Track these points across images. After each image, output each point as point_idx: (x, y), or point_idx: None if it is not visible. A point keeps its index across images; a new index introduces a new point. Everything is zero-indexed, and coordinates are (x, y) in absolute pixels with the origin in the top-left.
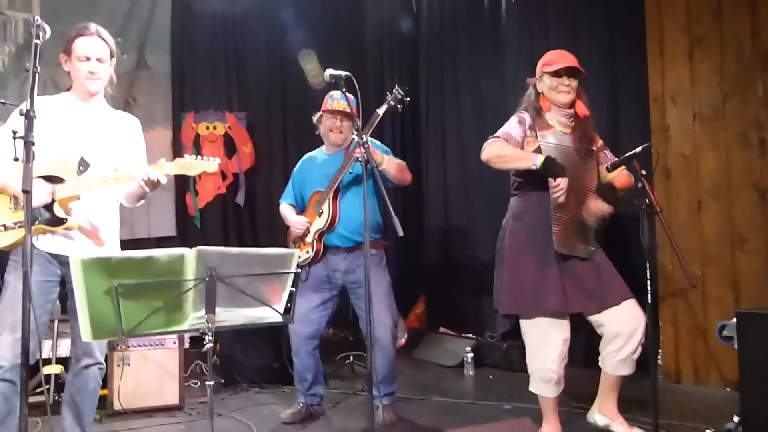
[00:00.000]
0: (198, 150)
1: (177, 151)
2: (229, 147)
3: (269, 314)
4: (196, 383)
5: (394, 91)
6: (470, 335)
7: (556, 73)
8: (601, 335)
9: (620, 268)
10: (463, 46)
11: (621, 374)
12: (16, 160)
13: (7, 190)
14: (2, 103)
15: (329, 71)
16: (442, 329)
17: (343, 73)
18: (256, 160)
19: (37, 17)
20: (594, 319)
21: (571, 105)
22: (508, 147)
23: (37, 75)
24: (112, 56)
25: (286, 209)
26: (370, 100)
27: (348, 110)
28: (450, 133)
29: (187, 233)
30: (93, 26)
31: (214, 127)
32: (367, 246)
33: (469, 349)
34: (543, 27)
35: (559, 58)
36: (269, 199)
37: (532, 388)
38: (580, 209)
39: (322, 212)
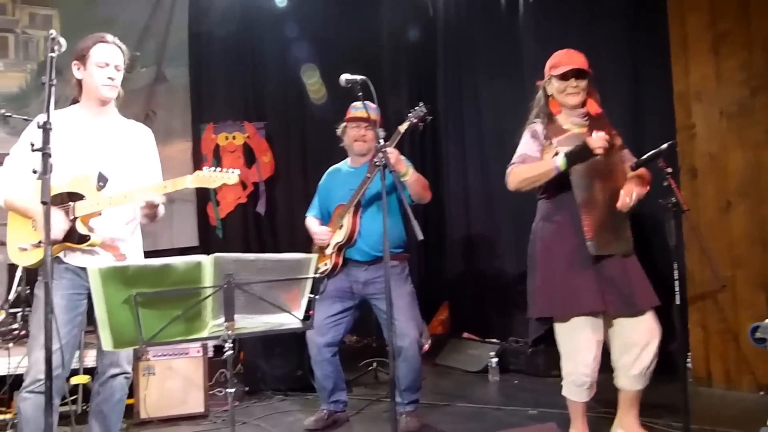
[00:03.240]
0: (218, 161)
1: (197, 163)
2: (249, 157)
3: (289, 320)
4: (221, 392)
5: (416, 108)
6: (494, 340)
7: (563, 76)
8: (610, 347)
9: (646, 270)
10: (481, 51)
11: (636, 389)
12: (35, 171)
13: (29, 213)
14: (24, 119)
15: (345, 76)
16: (465, 334)
17: (358, 77)
18: (275, 169)
19: (53, 31)
20: (616, 323)
21: (583, 104)
22: (527, 168)
23: (53, 88)
24: (124, 67)
25: (311, 221)
26: (388, 107)
27: (371, 117)
28: (470, 136)
29: (209, 243)
30: (110, 36)
31: (234, 138)
32: (387, 257)
33: (493, 354)
34: (561, 26)
35: (565, 59)
36: (289, 208)
37: (564, 392)
38: (610, 206)
39: (342, 226)
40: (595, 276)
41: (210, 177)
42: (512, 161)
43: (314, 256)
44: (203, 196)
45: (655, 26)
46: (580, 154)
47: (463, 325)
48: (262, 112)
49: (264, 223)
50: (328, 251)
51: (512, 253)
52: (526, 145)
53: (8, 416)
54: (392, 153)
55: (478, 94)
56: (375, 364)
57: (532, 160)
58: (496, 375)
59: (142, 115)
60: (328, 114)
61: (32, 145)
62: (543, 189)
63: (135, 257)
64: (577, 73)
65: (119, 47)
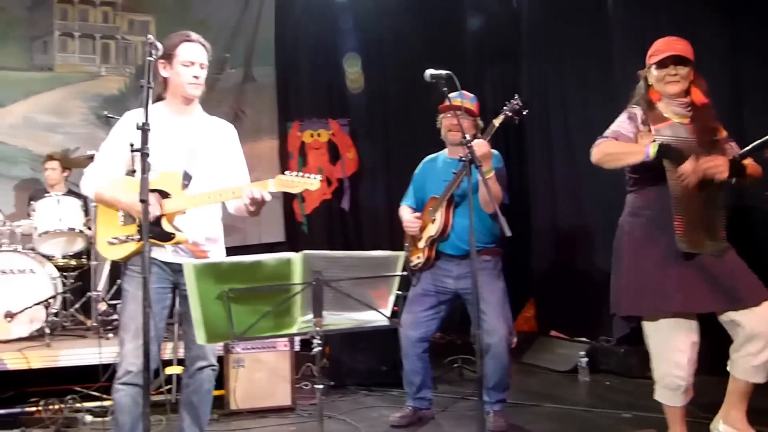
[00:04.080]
0: (303, 158)
1: (284, 160)
2: (333, 153)
3: (376, 318)
4: (307, 385)
5: (511, 101)
6: (584, 339)
7: (662, 64)
8: (732, 337)
9: (753, 265)
10: (567, 41)
11: (753, 381)
12: (134, 172)
13: (118, 205)
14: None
15: (429, 71)
16: (553, 332)
17: (443, 72)
18: (359, 165)
19: (150, 36)
20: (728, 318)
21: (686, 93)
22: (617, 144)
23: (151, 90)
24: (207, 64)
25: (404, 210)
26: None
27: (466, 106)
28: (556, 129)
29: (295, 239)
30: (194, 34)
31: (318, 135)
32: (474, 253)
33: (583, 353)
34: (653, 13)
35: (664, 47)
36: (373, 204)
37: (657, 396)
38: (706, 203)
39: (434, 219)
40: (687, 274)
41: (292, 182)
42: (603, 135)
43: (402, 254)
44: (289, 192)
45: (757, 8)
46: (673, 155)
47: (550, 322)
48: (346, 109)
49: (348, 218)
50: (421, 245)
51: (602, 249)
52: (621, 124)
53: (109, 403)
54: (482, 146)
55: (564, 86)
56: (460, 362)
57: (624, 139)
58: (586, 375)
59: (231, 115)
60: (411, 111)
61: (131, 145)
62: (633, 181)
63: (218, 254)
64: (676, 60)
65: (203, 45)
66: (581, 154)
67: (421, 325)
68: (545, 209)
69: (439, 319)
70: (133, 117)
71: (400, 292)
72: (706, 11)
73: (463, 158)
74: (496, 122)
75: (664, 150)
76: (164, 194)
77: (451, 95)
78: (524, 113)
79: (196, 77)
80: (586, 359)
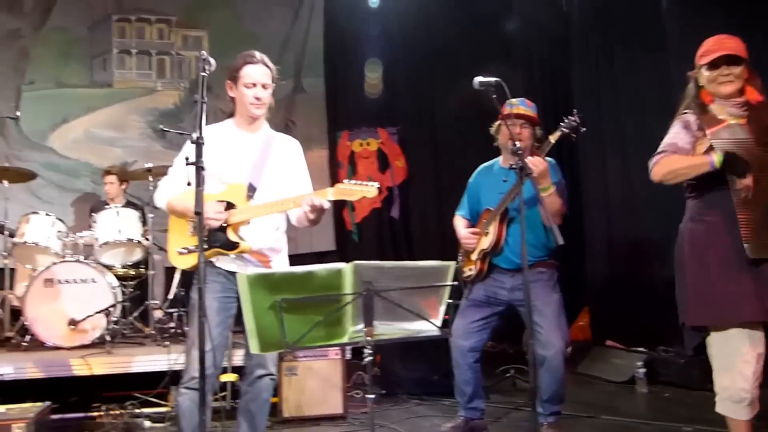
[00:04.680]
0: (353, 167)
1: (333, 170)
2: (382, 162)
3: (427, 327)
4: (358, 393)
5: (569, 117)
6: (641, 349)
7: (713, 64)
8: None
9: None
10: (620, 42)
11: None
12: (189, 184)
13: (188, 215)
14: (179, 133)
15: (478, 79)
16: (608, 342)
17: (492, 79)
18: (408, 173)
19: (203, 52)
20: None
21: (741, 93)
22: (676, 159)
23: (204, 105)
24: (273, 82)
25: (458, 222)
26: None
27: (529, 114)
28: (609, 134)
29: (345, 247)
30: (258, 54)
31: (368, 144)
32: (526, 266)
33: (640, 363)
34: (711, 11)
35: (714, 46)
36: (423, 212)
37: (719, 408)
38: None
39: (488, 233)
40: (755, 281)
41: (350, 190)
42: (659, 150)
43: (452, 264)
44: (339, 201)
45: None
46: (737, 167)
47: (605, 331)
48: (394, 117)
49: (398, 226)
50: (474, 257)
51: (660, 257)
52: (677, 135)
53: (166, 409)
54: (539, 164)
55: (617, 90)
56: (513, 371)
57: (683, 151)
58: (644, 386)
59: (281, 125)
60: (460, 117)
61: (186, 159)
62: (692, 186)
63: (281, 264)
64: (728, 60)
65: (266, 65)
66: (636, 161)
67: (473, 334)
68: (599, 217)
69: (490, 330)
70: (203, 133)
71: (451, 301)
72: (766, 7)
73: (514, 166)
74: (552, 139)
75: (730, 160)
76: (230, 205)
77: (513, 101)
78: (582, 131)
79: (257, 98)
80: (643, 370)
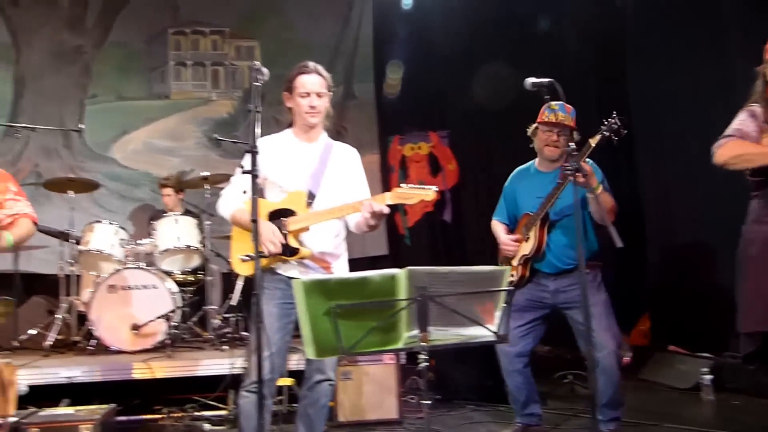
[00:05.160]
0: (404, 171)
1: (385, 175)
2: (434, 165)
3: (483, 333)
4: (413, 398)
5: (609, 120)
6: (706, 354)
7: None
8: None
9: None
10: (678, 39)
11: None
12: (244, 192)
13: (249, 226)
14: (233, 142)
15: (530, 80)
16: (671, 347)
17: (545, 80)
18: (460, 176)
19: (256, 62)
20: None
21: None
22: (746, 144)
23: (258, 114)
24: (329, 90)
25: (497, 227)
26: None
27: (566, 122)
28: (669, 138)
29: (398, 251)
30: (311, 64)
31: (419, 148)
32: (582, 266)
33: (706, 370)
34: None
35: None
36: (476, 215)
37: None
38: None
39: (528, 238)
40: None
41: (408, 193)
42: (726, 134)
43: (507, 269)
44: (391, 206)
45: None
46: None
47: (667, 336)
48: (445, 120)
49: (451, 230)
50: (515, 263)
51: (724, 260)
52: (744, 122)
53: (225, 412)
54: (586, 169)
55: (675, 90)
56: (571, 377)
57: (751, 138)
58: (710, 394)
59: (333, 132)
60: (511, 119)
61: (241, 167)
62: (756, 185)
63: (341, 269)
64: None
65: (320, 74)
66: (697, 163)
67: (518, 340)
68: (659, 220)
69: (535, 333)
70: (262, 143)
71: (506, 305)
72: None
73: (569, 169)
74: (593, 142)
75: None
76: (290, 212)
77: (553, 105)
78: (624, 133)
79: (312, 107)
80: (710, 376)
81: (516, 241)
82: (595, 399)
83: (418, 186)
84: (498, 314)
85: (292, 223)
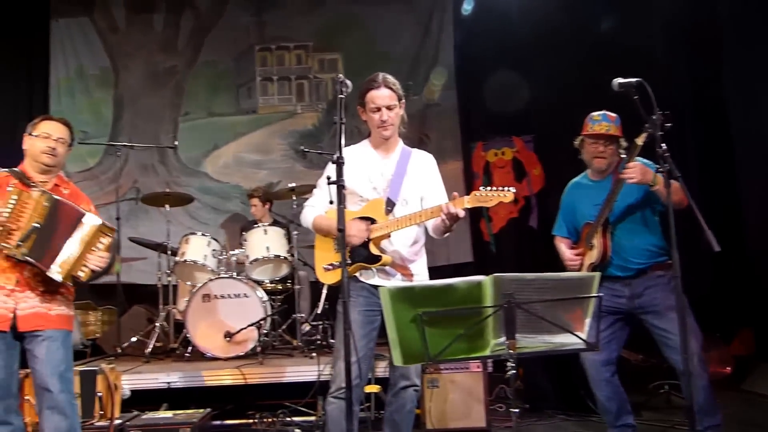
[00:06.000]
0: (488, 177)
1: (469, 181)
2: (518, 171)
3: (572, 341)
4: (501, 407)
5: (653, 117)
6: None
7: None
8: None
9: None
10: None
11: None
12: (331, 203)
13: (332, 234)
14: (318, 153)
15: (617, 80)
16: None
17: (633, 80)
18: (546, 181)
19: (340, 75)
20: None
21: None
22: None
23: (343, 126)
24: (400, 100)
25: (559, 244)
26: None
27: (611, 133)
28: None
29: (483, 258)
30: (380, 77)
31: (503, 153)
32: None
33: None
34: None
35: None
36: None
37: None
38: None
39: (593, 246)
40: None
41: (486, 196)
42: None
43: (597, 275)
44: (476, 212)
45: None
46: None
47: None
48: (529, 125)
49: (537, 236)
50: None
51: None
52: None
53: (314, 418)
54: (634, 169)
55: None
56: (667, 387)
57: None
58: None
59: (415, 140)
60: None
61: (328, 178)
62: None
63: (421, 276)
64: None
65: (389, 87)
66: None
67: (603, 347)
68: (761, 220)
69: (619, 341)
70: (344, 154)
71: (597, 314)
72: None
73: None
74: (639, 141)
75: None
76: (370, 221)
77: (595, 116)
78: (668, 126)
79: (383, 121)
80: None
81: (578, 254)
82: (692, 409)
83: (496, 189)
84: (588, 321)
85: (372, 231)
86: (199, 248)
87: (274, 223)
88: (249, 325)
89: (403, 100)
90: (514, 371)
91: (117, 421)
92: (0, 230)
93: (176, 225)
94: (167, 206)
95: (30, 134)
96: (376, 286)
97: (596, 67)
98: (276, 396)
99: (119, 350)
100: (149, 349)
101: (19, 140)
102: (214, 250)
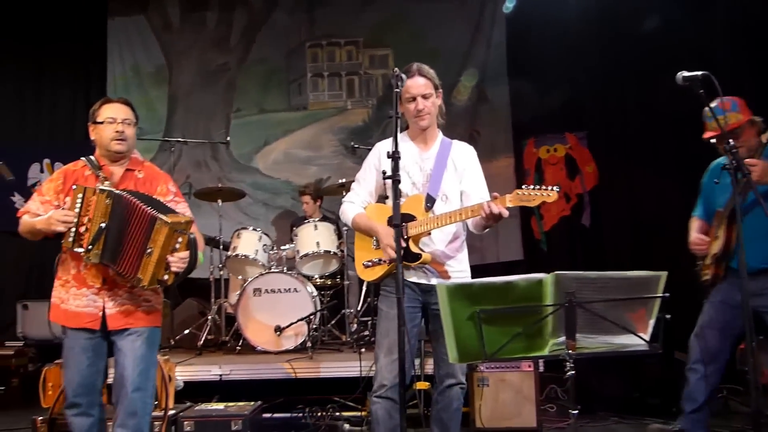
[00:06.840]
0: (540, 174)
1: (520, 178)
2: (571, 168)
3: (634, 342)
4: (552, 407)
5: None
6: None
7: None
8: None
9: None
10: None
11: None
12: (386, 198)
13: (371, 231)
14: (369, 149)
15: (682, 74)
16: None
17: (698, 73)
18: (599, 179)
19: (396, 69)
20: None
21: None
22: None
23: (399, 120)
24: (436, 89)
25: (692, 224)
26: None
27: (731, 121)
28: None
29: (534, 257)
30: (414, 66)
31: (555, 150)
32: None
33: None
34: None
35: None
36: (616, 219)
37: None
38: None
39: (718, 237)
40: None
41: (529, 195)
42: None
43: (663, 274)
44: (526, 210)
45: None
46: None
47: None
48: (583, 121)
49: (590, 235)
50: (707, 261)
51: None
52: None
53: (363, 414)
54: (756, 166)
55: None
56: (725, 392)
57: None
58: None
59: (466, 136)
60: (653, 118)
61: (383, 173)
62: None
63: (462, 272)
64: None
65: (423, 75)
66: None
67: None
68: None
69: (734, 336)
70: (381, 147)
71: (661, 315)
72: None
73: (728, 166)
74: (764, 139)
75: None
76: (410, 217)
77: (706, 112)
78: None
79: (419, 110)
80: None
81: (703, 240)
82: (758, 418)
83: (540, 187)
84: (652, 322)
85: (412, 228)
86: (250, 243)
87: (324, 218)
88: (299, 320)
89: (440, 90)
90: (573, 372)
91: (171, 412)
92: (72, 233)
93: (228, 220)
94: (219, 201)
95: (94, 122)
96: (416, 283)
97: (651, 63)
98: (325, 391)
99: (173, 342)
100: (201, 342)
101: (78, 139)
102: (265, 245)
